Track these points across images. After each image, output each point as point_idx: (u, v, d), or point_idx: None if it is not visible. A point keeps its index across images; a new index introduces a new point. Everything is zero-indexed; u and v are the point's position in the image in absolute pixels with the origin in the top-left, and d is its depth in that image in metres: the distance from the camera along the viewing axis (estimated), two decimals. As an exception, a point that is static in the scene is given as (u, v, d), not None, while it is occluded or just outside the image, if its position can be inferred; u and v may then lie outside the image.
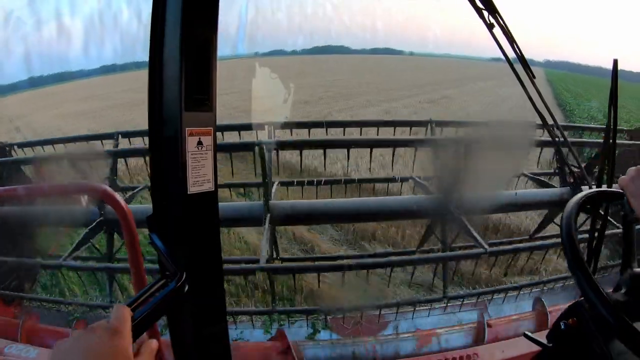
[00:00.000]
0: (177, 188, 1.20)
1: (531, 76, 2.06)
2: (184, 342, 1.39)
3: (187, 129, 1.16)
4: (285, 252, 6.59)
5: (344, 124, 5.49)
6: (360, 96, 30.99)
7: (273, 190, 3.90)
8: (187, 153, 1.17)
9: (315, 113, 23.24)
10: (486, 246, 3.41)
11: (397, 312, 3.74)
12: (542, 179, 4.89)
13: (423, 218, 4.28)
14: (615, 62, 1.77)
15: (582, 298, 1.39)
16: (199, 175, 1.21)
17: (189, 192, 1.20)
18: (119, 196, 1.30)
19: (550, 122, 2.31)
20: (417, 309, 3.79)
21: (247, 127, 5.42)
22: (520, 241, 5.49)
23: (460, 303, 3.91)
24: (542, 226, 4.86)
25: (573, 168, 3.93)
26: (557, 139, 2.29)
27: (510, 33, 1.92)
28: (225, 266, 3.77)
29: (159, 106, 1.20)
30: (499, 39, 1.98)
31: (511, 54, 2.08)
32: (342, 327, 3.47)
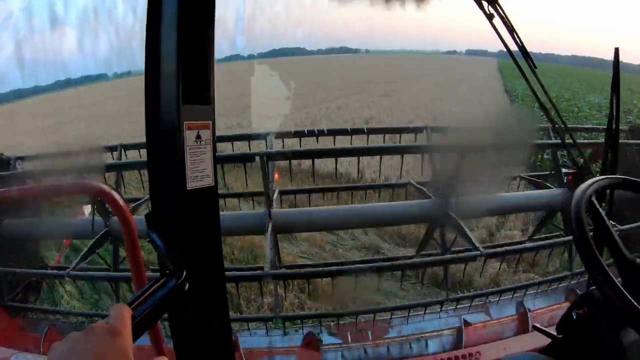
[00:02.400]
0: (175, 184, 1.15)
1: (533, 66, 2.03)
2: (186, 342, 1.33)
3: (185, 122, 1.11)
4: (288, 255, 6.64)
5: (347, 132, 5.39)
6: (314, 94, 31.14)
7: (274, 197, 3.92)
8: (186, 147, 1.12)
9: (271, 113, 23.30)
10: (481, 249, 3.46)
11: (391, 317, 3.77)
12: (539, 180, 4.95)
13: (423, 222, 4.30)
14: (617, 50, 1.78)
15: (593, 288, 1.41)
16: (198, 170, 1.16)
17: (188, 188, 1.15)
18: (116, 193, 1.25)
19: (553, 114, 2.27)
20: (416, 312, 3.80)
21: (245, 137, 5.35)
22: (520, 242, 5.52)
23: (467, 305, 3.94)
24: (540, 227, 4.91)
25: (569, 170, 4.08)
26: (560, 134, 2.25)
27: (511, 23, 1.88)
28: (231, 273, 3.80)
29: (155, 99, 1.14)
30: (498, 29, 1.94)
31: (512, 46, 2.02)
32: (347, 333, 3.47)
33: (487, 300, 3.97)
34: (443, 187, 3.94)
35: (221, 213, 3.33)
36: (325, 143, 5.42)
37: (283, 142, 5.41)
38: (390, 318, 3.72)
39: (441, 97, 29.38)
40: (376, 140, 5.42)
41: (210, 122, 1.17)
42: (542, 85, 2.14)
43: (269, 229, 3.52)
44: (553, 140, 4.44)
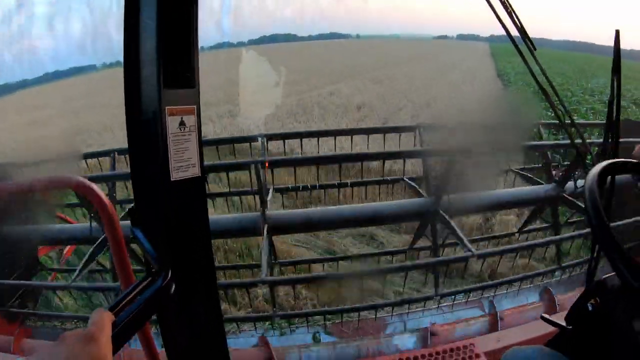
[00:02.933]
0: (159, 175, 1.06)
1: (532, 48, 1.96)
2: (178, 346, 1.26)
3: (167, 107, 1.01)
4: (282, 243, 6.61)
5: (334, 133, 5.44)
6: (306, 81, 30.95)
7: (269, 197, 3.95)
8: (169, 135, 1.03)
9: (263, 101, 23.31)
10: (473, 250, 3.45)
11: (392, 314, 3.79)
12: (529, 175, 4.96)
13: (415, 220, 4.30)
14: (617, 33, 1.73)
15: (606, 276, 1.34)
16: (183, 160, 1.07)
17: (172, 179, 1.06)
18: (96, 187, 1.16)
19: (553, 97, 2.21)
20: (410, 310, 3.84)
21: (240, 140, 5.35)
22: (508, 235, 5.66)
23: (462, 301, 3.99)
24: (530, 220, 4.96)
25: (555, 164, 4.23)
26: (559, 116, 2.20)
27: (509, 4, 1.80)
28: (227, 281, 4.07)
29: (136, 83, 1.04)
30: (497, 10, 1.84)
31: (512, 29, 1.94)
32: (341, 331, 3.47)
33: (481, 296, 4.00)
34: (435, 185, 3.99)
35: (217, 216, 3.35)
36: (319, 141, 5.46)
37: (284, 143, 5.36)
38: (392, 313, 3.74)
39: (433, 82, 29.34)
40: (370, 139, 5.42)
41: (195, 106, 1.07)
42: (540, 67, 2.08)
43: (265, 232, 3.53)
44: (545, 142, 4.72)
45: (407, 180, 4.67)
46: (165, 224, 1.10)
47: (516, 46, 1.96)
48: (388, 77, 32.33)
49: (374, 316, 3.74)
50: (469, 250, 3.42)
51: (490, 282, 4.04)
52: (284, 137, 5.42)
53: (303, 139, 5.23)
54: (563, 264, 4.20)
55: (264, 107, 20.61)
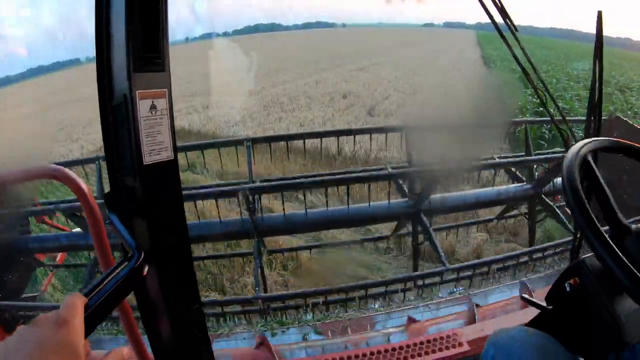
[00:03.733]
0: (131, 159, 1.06)
1: (513, 29, 1.97)
2: (158, 329, 1.27)
3: (137, 91, 1.02)
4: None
5: (320, 135, 5.46)
6: (292, 70, 30.98)
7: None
8: (140, 119, 1.04)
9: (249, 90, 23.21)
10: (447, 264, 3.69)
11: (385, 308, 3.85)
12: (512, 169, 5.05)
13: (399, 220, 4.54)
14: (600, 14, 1.75)
15: (585, 257, 1.36)
16: (155, 143, 1.08)
17: (144, 163, 1.06)
18: (75, 176, 1.17)
19: (535, 81, 2.23)
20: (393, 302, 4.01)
21: (227, 143, 5.33)
22: (487, 221, 5.78)
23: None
24: (505, 211, 5.08)
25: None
26: (542, 98, 2.22)
27: None
28: (222, 299, 4.13)
29: (107, 69, 1.05)
30: None
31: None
32: (331, 331, 3.52)
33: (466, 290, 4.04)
34: (418, 186, 4.14)
35: (206, 220, 3.40)
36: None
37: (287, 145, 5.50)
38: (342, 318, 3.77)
39: (419, 70, 29.46)
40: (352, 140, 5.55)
41: (166, 90, 1.08)
42: (522, 49, 2.10)
43: (255, 236, 3.75)
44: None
45: (389, 169, 4.75)
46: (139, 206, 1.11)
47: (498, 30, 1.98)
48: (374, 66, 32.49)
49: (359, 311, 3.89)
50: (444, 265, 3.67)
51: (466, 263, 4.16)
52: (270, 140, 5.54)
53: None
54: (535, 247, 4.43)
55: (249, 97, 20.62)
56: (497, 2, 1.80)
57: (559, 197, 4.60)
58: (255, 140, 4.97)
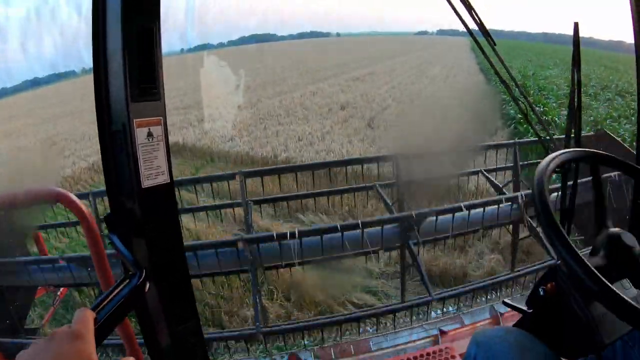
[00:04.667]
0: (130, 183, 1.16)
1: (492, 44, 2.03)
2: (158, 342, 1.35)
3: (135, 120, 1.12)
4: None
5: (312, 167, 5.70)
6: (287, 80, 30.82)
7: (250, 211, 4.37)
8: (137, 146, 1.13)
9: (244, 103, 22.86)
10: (433, 295, 3.86)
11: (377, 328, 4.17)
12: (497, 183, 5.21)
13: (391, 249, 4.66)
14: (576, 25, 1.81)
15: (559, 262, 1.40)
16: (152, 168, 1.17)
17: (143, 186, 1.16)
18: (75, 197, 1.25)
19: (514, 89, 2.29)
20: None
21: (220, 178, 5.47)
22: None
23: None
24: (515, 244, 5.23)
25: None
26: (521, 107, 2.29)
27: (468, 1, 1.84)
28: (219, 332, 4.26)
29: (105, 99, 1.15)
30: (455, 6, 1.89)
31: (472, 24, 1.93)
32: (328, 354, 3.62)
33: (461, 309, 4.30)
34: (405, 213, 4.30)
35: (200, 252, 3.46)
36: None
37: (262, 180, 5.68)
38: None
39: (416, 78, 29.45)
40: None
41: (162, 117, 1.18)
42: (501, 61, 2.17)
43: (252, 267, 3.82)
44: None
45: (378, 188, 4.95)
46: (139, 227, 1.20)
47: (476, 41, 2.06)
48: (370, 75, 32.44)
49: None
50: (430, 295, 3.81)
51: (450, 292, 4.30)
52: (262, 173, 5.64)
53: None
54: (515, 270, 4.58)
55: (243, 109, 20.44)
56: (476, 17, 1.87)
57: None
58: (247, 174, 5.09)
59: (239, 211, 5.34)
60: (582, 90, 1.92)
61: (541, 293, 1.44)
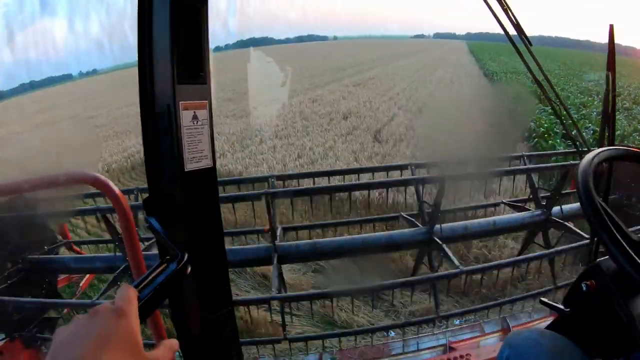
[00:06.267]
0: (173, 166, 1.18)
1: (528, 44, 2.05)
2: (190, 326, 1.37)
3: (180, 102, 1.14)
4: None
5: (343, 172, 6.15)
6: (285, 86, 30.31)
7: (278, 233, 4.37)
8: (182, 128, 1.15)
9: (239, 110, 22.70)
10: (461, 267, 3.75)
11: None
12: (519, 205, 5.22)
13: (413, 248, 4.78)
14: (611, 28, 1.85)
15: (601, 259, 1.44)
16: (196, 151, 1.19)
17: (186, 170, 1.18)
18: (111, 182, 1.29)
19: (549, 90, 2.29)
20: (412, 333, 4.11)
21: (250, 180, 5.90)
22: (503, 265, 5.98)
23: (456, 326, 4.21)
24: (525, 247, 5.19)
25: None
26: (556, 110, 2.29)
27: (506, 2, 1.89)
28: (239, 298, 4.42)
29: (150, 80, 1.17)
30: (493, 8, 1.93)
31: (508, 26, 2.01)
32: (348, 357, 3.70)
33: (474, 319, 4.34)
34: (428, 214, 4.32)
35: (231, 247, 3.64)
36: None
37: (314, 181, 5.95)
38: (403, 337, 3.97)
39: (420, 83, 29.32)
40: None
41: (207, 101, 1.21)
42: (537, 63, 2.19)
43: (275, 260, 3.95)
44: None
45: (404, 215, 5.01)
46: (179, 211, 1.23)
47: (514, 44, 2.08)
48: (371, 80, 32.29)
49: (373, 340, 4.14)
50: (458, 267, 3.73)
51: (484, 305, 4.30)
52: (292, 177, 6.27)
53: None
54: (558, 284, 4.41)
55: (238, 119, 20.01)
56: (513, 18, 1.91)
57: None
58: (279, 178, 5.47)
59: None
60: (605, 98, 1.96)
61: (584, 288, 1.46)
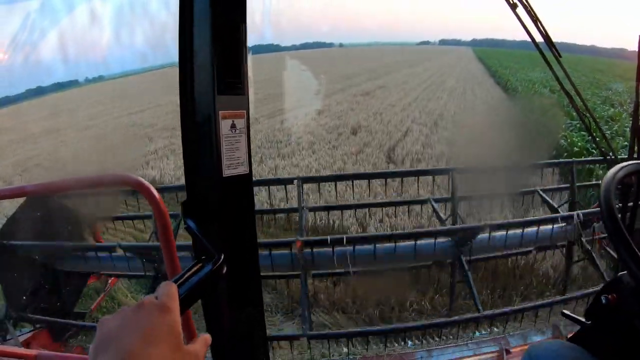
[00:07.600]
0: (211, 171, 1.29)
1: (557, 55, 2.12)
2: (221, 325, 1.47)
3: (220, 111, 1.25)
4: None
5: (368, 176, 6.27)
6: (290, 95, 29.65)
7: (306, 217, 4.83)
8: (221, 136, 1.26)
9: None
10: (481, 309, 4.04)
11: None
12: (552, 202, 5.44)
13: (440, 261, 4.97)
14: None
15: (622, 273, 1.49)
16: (233, 158, 1.31)
17: (224, 175, 1.29)
18: (151, 186, 1.40)
19: (578, 101, 2.33)
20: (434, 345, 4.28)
21: (277, 181, 6.45)
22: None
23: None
24: (569, 266, 5.35)
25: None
26: (585, 121, 2.35)
27: (534, 12, 1.96)
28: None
29: (190, 90, 1.28)
30: (522, 18, 2.00)
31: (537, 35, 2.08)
32: None
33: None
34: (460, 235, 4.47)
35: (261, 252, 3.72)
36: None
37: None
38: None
39: (432, 93, 29.10)
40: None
41: (245, 111, 1.33)
42: (567, 74, 2.26)
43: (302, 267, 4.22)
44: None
45: (432, 202, 5.32)
46: (216, 215, 1.34)
47: (542, 54, 2.16)
48: (380, 89, 32.17)
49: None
50: (479, 311, 4.01)
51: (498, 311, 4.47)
52: (319, 180, 6.58)
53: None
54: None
55: None
56: (542, 29, 1.99)
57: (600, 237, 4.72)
58: (305, 180, 5.71)
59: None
60: (623, 109, 2.03)
61: (604, 302, 1.51)
